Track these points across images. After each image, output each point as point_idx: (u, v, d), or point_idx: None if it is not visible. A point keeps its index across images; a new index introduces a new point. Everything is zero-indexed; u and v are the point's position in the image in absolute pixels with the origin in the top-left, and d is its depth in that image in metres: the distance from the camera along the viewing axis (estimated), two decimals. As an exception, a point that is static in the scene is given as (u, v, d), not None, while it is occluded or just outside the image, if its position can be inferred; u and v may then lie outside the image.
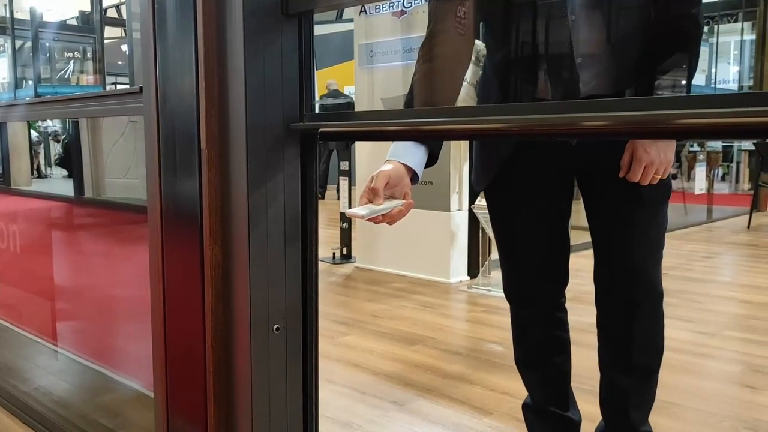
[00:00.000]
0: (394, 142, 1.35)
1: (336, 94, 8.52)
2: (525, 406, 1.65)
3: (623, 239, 1.42)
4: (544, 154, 1.44)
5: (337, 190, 5.65)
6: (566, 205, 1.52)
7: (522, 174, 1.46)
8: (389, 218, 1.25)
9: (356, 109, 4.59)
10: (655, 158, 1.28)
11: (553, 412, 1.59)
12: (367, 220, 1.23)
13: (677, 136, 0.77)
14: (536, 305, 1.56)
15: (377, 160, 4.37)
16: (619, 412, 1.56)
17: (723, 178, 10.77)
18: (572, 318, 1.62)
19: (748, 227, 6.56)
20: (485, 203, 3.84)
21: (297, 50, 1.15)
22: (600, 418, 1.61)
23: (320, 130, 1.13)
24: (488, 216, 3.75)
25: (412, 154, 1.31)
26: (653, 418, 1.75)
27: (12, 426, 1.96)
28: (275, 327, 1.21)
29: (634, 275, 1.44)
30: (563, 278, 1.55)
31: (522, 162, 1.44)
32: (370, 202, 1.26)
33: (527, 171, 1.46)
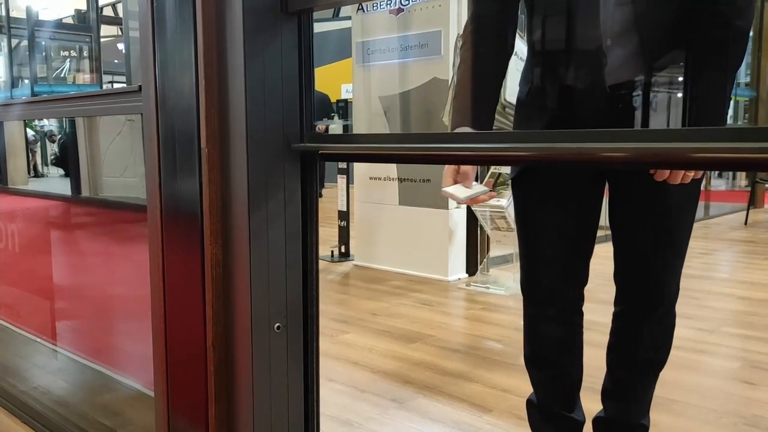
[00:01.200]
0: (455, 111, 1.36)
1: None
2: (529, 402, 1.64)
3: (649, 243, 1.42)
4: None
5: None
6: (593, 203, 1.47)
7: (548, 168, 1.44)
8: (476, 202, 1.32)
9: (354, 107, 4.58)
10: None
11: (557, 413, 1.59)
12: (460, 203, 1.29)
13: (699, 167, 0.77)
14: (549, 303, 1.53)
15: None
16: (618, 405, 1.57)
17: (720, 175, 10.78)
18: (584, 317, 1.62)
19: (746, 224, 6.58)
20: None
21: (297, 48, 1.15)
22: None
23: (320, 152, 1.14)
24: (486, 214, 3.75)
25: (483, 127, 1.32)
26: (652, 415, 1.75)
27: (12, 425, 1.95)
28: (276, 326, 1.21)
29: (655, 279, 1.44)
30: (581, 278, 1.51)
31: None
32: (458, 183, 1.29)
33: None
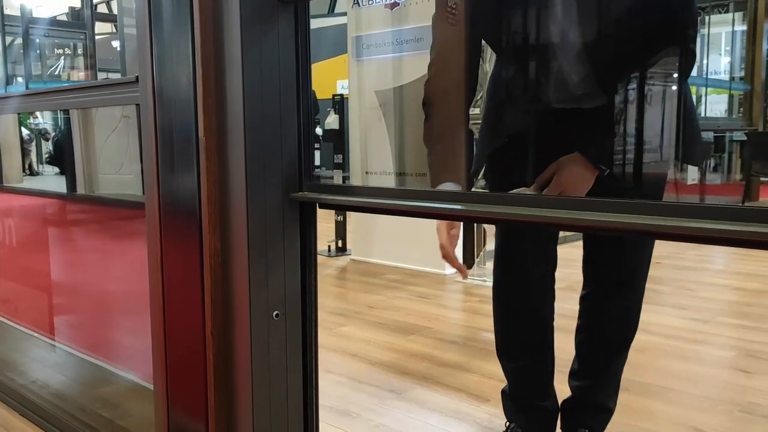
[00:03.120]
0: (435, 168, 1.39)
1: None
2: (503, 393, 1.66)
3: (620, 250, 1.46)
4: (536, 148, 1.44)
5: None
6: None
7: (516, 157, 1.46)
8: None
9: (350, 102, 4.59)
10: (569, 192, 1.25)
11: (529, 402, 1.61)
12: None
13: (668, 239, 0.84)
14: (521, 293, 1.56)
15: (370, 153, 4.38)
16: (582, 383, 1.59)
17: (715, 169, 10.80)
18: (564, 306, 1.63)
19: (740, 216, 6.60)
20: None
21: (294, 38, 1.16)
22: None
23: (318, 202, 1.19)
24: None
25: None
26: (647, 403, 1.77)
27: (10, 419, 1.96)
28: (275, 313, 1.22)
29: (623, 260, 1.49)
30: (550, 265, 1.55)
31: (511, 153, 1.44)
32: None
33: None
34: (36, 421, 1.92)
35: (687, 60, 1.31)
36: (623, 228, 0.80)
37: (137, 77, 1.30)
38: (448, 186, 1.35)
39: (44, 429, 1.87)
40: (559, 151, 1.28)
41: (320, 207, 1.21)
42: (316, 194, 1.18)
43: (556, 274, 1.59)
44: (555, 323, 1.59)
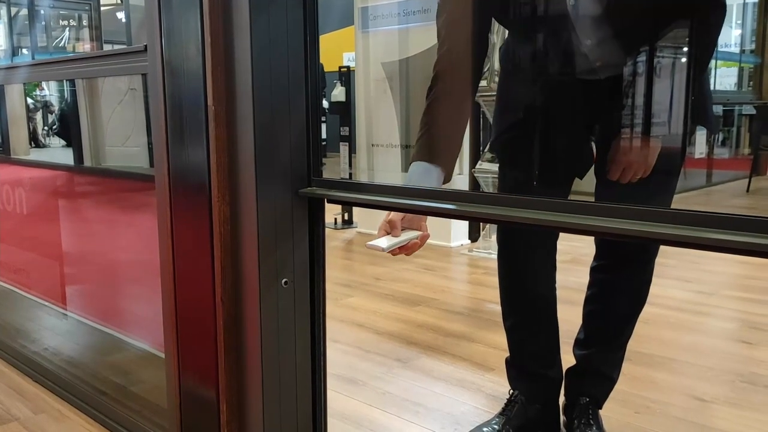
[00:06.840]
0: (409, 171, 1.35)
1: None
2: (507, 361, 1.68)
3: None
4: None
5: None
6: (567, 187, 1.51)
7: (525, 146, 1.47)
8: (406, 250, 1.27)
9: (356, 74, 4.56)
10: (633, 161, 1.28)
11: (533, 370, 1.62)
12: (386, 252, 1.24)
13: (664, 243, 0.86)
14: (523, 265, 1.57)
15: (376, 126, 4.37)
16: (587, 352, 1.61)
17: (723, 143, 10.73)
18: (570, 279, 1.64)
19: (747, 191, 6.58)
20: (485, 167, 3.82)
21: (301, 4, 1.16)
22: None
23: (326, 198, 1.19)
24: (489, 180, 3.75)
25: (428, 181, 1.31)
26: (651, 373, 1.79)
27: (24, 385, 2.00)
28: (284, 281, 1.24)
29: (638, 250, 1.49)
30: (552, 239, 1.57)
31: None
32: (388, 233, 1.27)
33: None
34: (48, 386, 1.95)
35: (708, 27, 1.30)
36: (630, 234, 0.81)
37: (146, 46, 1.31)
38: (422, 164, 1.32)
39: (56, 394, 1.91)
40: (577, 125, 1.28)
41: (328, 202, 1.22)
42: (323, 190, 1.20)
43: (561, 247, 1.60)
44: (560, 295, 1.61)
